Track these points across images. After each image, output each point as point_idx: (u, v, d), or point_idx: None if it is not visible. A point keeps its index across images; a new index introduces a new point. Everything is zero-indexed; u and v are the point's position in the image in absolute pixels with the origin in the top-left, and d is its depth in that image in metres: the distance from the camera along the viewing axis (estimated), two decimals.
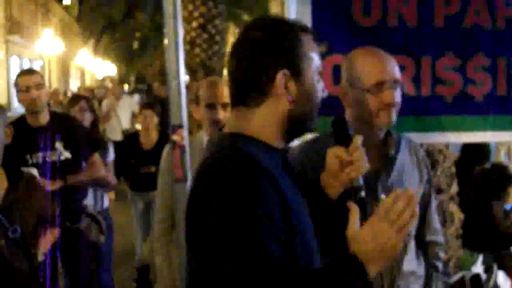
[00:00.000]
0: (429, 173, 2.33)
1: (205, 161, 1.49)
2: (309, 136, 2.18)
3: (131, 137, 6.21)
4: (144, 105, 6.45)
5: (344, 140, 1.63)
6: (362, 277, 1.39)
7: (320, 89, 1.56)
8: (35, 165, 3.76)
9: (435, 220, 2.38)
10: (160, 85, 12.14)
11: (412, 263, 2.21)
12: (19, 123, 3.84)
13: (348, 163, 1.61)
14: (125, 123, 10.14)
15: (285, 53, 1.49)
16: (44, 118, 3.88)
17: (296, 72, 1.49)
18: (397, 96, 2.06)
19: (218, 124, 2.75)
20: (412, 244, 2.24)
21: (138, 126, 6.87)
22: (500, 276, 3.98)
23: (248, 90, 1.50)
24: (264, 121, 1.50)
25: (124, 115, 10.15)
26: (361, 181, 1.61)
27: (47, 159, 3.82)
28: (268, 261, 1.31)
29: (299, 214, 1.46)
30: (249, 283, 1.31)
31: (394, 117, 2.07)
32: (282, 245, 1.35)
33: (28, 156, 3.79)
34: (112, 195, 6.98)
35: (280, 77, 1.47)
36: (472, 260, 4.02)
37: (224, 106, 2.76)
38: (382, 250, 1.41)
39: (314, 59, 1.54)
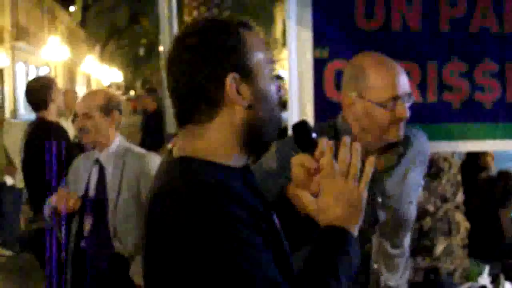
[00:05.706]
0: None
1: (159, 195, 1.28)
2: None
3: None
4: None
5: (308, 145, 1.42)
6: (350, 241, 1.31)
7: (274, 90, 1.36)
8: None
9: None
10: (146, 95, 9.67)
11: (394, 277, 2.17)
12: None
13: (316, 170, 1.39)
14: None
15: (229, 54, 1.28)
16: None
17: (246, 74, 1.29)
18: (408, 110, 2.00)
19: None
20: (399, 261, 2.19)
21: None
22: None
23: (196, 104, 1.29)
24: (219, 136, 1.30)
25: None
26: None
27: None
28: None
29: (276, 234, 1.34)
30: None
31: (403, 131, 2.01)
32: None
33: None
34: None
35: (230, 81, 1.27)
36: (478, 271, 3.94)
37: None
38: (351, 206, 1.32)
39: (262, 57, 1.34)
